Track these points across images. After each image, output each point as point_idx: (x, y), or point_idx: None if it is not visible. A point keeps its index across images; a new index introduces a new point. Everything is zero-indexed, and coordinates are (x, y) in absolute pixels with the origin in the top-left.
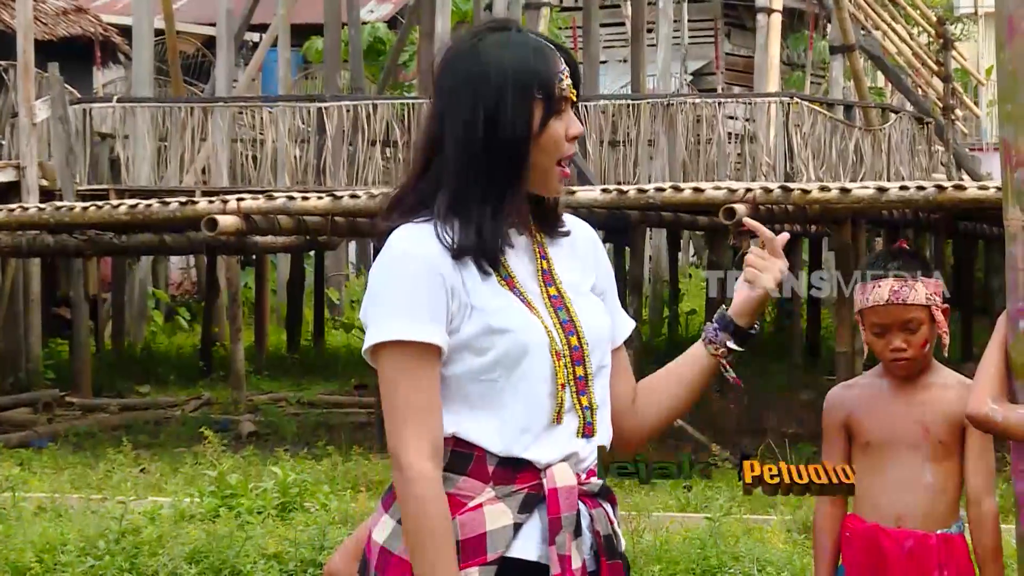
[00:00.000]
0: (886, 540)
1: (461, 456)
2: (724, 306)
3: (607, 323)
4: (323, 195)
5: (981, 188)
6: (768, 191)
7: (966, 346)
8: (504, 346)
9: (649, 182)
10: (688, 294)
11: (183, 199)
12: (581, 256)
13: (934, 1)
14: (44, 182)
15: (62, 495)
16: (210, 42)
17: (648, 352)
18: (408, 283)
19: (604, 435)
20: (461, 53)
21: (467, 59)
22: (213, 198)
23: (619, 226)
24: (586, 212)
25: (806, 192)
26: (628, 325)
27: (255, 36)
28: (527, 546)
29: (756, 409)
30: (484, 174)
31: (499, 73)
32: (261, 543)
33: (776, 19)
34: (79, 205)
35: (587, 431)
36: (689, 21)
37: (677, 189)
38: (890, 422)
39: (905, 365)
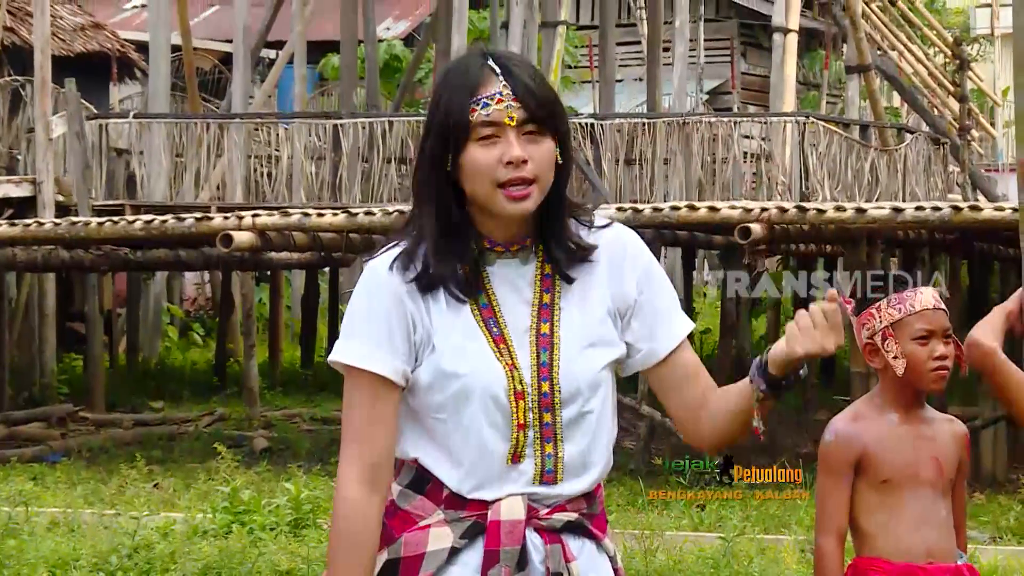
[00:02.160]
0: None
1: (421, 477)
2: (769, 346)
3: (596, 368)
4: (338, 212)
5: (997, 209)
6: (783, 211)
7: None
8: (452, 389)
9: (664, 200)
10: (703, 313)
11: (198, 215)
12: (602, 278)
13: (950, 21)
14: (60, 197)
15: (75, 510)
16: (227, 58)
17: None
18: (370, 310)
19: (578, 482)
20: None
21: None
22: (228, 214)
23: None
24: None
25: (821, 212)
26: (676, 334)
27: (271, 53)
28: (462, 572)
29: (770, 428)
30: (428, 200)
31: (433, 103)
32: (273, 560)
33: (792, 39)
34: (95, 220)
35: (546, 479)
36: (705, 40)
37: (692, 208)
38: (909, 459)
39: (945, 376)
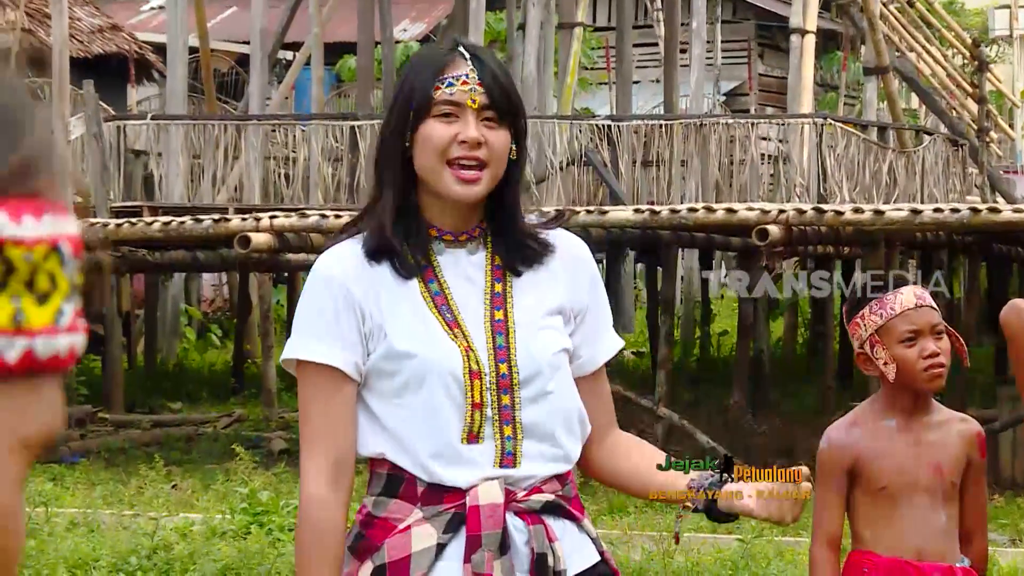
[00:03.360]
0: (913, 571)
1: (393, 479)
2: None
3: (554, 350)
4: (355, 213)
5: (1016, 211)
6: (801, 212)
7: (1000, 368)
8: (409, 371)
9: (682, 202)
10: (720, 315)
11: (216, 216)
12: (558, 275)
13: (969, 23)
14: (78, 199)
15: (94, 511)
16: (244, 60)
17: (680, 372)
18: (318, 304)
19: (544, 466)
20: None
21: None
22: (246, 215)
23: (651, 246)
24: (618, 232)
25: (839, 214)
26: (608, 349)
27: (288, 54)
28: (449, 566)
29: (787, 431)
30: (386, 182)
31: (400, 82)
32: (292, 561)
33: (810, 40)
34: (112, 222)
35: (506, 461)
36: (723, 42)
37: (710, 210)
38: (906, 466)
39: (941, 374)
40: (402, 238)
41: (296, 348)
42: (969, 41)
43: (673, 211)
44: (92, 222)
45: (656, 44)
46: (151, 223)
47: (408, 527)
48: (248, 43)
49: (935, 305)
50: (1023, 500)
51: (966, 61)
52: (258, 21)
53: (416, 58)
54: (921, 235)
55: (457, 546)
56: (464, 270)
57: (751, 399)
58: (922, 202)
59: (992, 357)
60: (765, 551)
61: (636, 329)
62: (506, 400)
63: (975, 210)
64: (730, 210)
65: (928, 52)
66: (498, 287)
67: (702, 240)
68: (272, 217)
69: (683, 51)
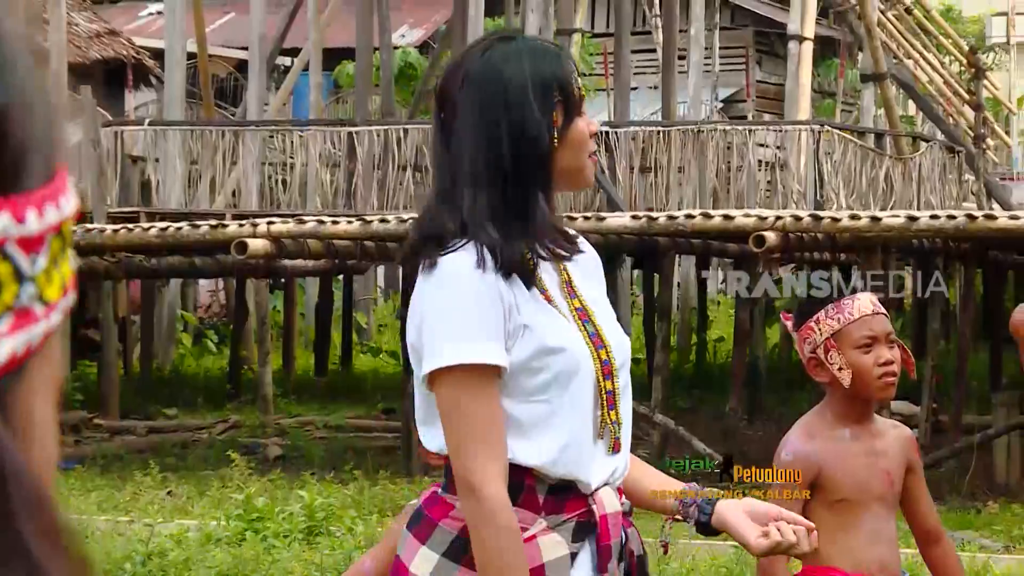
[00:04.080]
0: None
1: (513, 487)
2: (718, 499)
3: (628, 340)
4: (353, 219)
5: (1012, 218)
6: (798, 219)
7: (995, 376)
8: (559, 365)
9: (679, 208)
10: (716, 321)
11: (213, 222)
12: (590, 270)
13: (966, 30)
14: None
15: (89, 517)
16: (242, 65)
17: (676, 379)
18: (470, 305)
19: (625, 452)
20: (474, 66)
21: (482, 71)
22: (243, 221)
23: (648, 252)
24: (615, 238)
25: (836, 220)
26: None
27: (287, 60)
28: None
29: (781, 436)
30: (516, 185)
31: (519, 82)
32: (287, 567)
33: (808, 47)
34: (110, 227)
35: (615, 446)
36: (720, 48)
37: (707, 216)
38: (861, 476)
39: (893, 383)
40: (538, 249)
41: (458, 353)
42: (966, 48)
43: (670, 217)
44: (90, 227)
45: (654, 50)
46: (148, 229)
47: (533, 536)
48: (246, 49)
49: (887, 314)
50: (1017, 507)
51: (963, 68)
52: (256, 27)
53: (534, 57)
54: (917, 242)
55: (585, 556)
56: (545, 264)
57: (747, 405)
58: (919, 209)
59: (987, 364)
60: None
61: (632, 335)
62: (609, 386)
63: (971, 217)
64: (727, 216)
65: (925, 59)
66: (566, 275)
67: (699, 246)
68: (269, 223)
69: (681, 57)
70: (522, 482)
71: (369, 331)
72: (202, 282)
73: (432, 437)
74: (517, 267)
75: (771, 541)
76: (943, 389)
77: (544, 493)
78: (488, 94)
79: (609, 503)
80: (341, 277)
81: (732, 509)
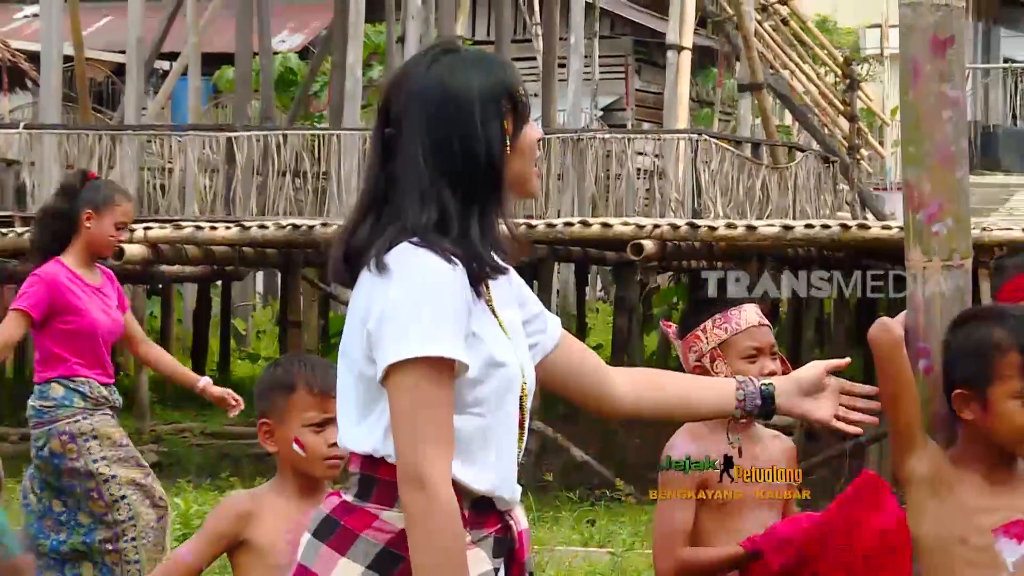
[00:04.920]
0: None
1: None
2: (772, 384)
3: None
4: (231, 225)
5: (884, 227)
6: (675, 227)
7: (868, 383)
8: (498, 380)
9: (558, 216)
10: (595, 329)
11: None
12: (510, 287)
13: (841, 41)
14: None
15: None
16: (120, 69)
17: None
18: (438, 298)
19: None
20: (420, 78)
21: (429, 84)
22: None
23: (527, 260)
24: None
25: (713, 229)
26: (553, 315)
27: (165, 64)
28: None
29: (661, 442)
30: (468, 192)
31: (468, 92)
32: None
33: (686, 57)
34: None
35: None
36: (600, 57)
37: (586, 224)
38: (742, 480)
39: None
40: (490, 257)
41: (428, 345)
42: (841, 59)
43: (549, 225)
44: None
45: (534, 58)
46: (22, 233)
47: None
48: (124, 52)
49: (771, 325)
50: None
51: (838, 79)
52: (135, 30)
53: (482, 67)
54: (792, 251)
55: (503, 572)
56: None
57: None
58: (794, 218)
59: (861, 371)
60: (636, 564)
61: None
62: (524, 409)
63: (845, 226)
64: (606, 224)
65: (801, 70)
66: (488, 296)
67: (578, 254)
68: (147, 228)
69: (561, 65)
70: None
71: (247, 337)
72: None
73: (363, 438)
74: (472, 275)
75: (844, 425)
76: None
77: (468, 508)
78: (438, 106)
79: (522, 520)
80: (219, 283)
81: (793, 394)
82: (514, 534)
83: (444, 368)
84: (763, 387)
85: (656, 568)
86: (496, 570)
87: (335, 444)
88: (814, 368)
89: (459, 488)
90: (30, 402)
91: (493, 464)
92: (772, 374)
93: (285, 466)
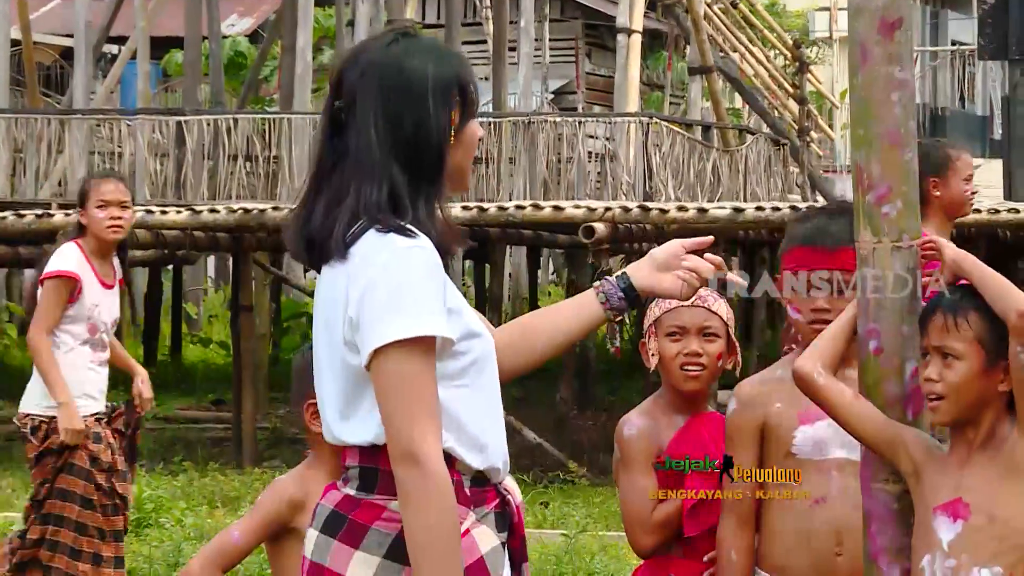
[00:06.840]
0: None
1: None
2: (625, 273)
3: None
4: (182, 209)
5: None
6: (627, 210)
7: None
8: (478, 350)
9: (510, 200)
10: None
11: (39, 212)
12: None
13: (790, 24)
14: None
15: None
16: (68, 53)
17: None
18: (420, 278)
19: None
20: (376, 56)
21: (386, 62)
22: (70, 211)
23: (479, 243)
24: None
25: (664, 212)
26: None
27: (114, 48)
28: (506, 565)
29: (613, 425)
30: (415, 173)
31: (422, 76)
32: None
33: (636, 40)
34: None
35: None
36: (550, 40)
37: (537, 207)
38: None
39: (696, 375)
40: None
41: (413, 325)
42: (790, 42)
43: (501, 208)
44: None
45: (485, 41)
46: None
47: (467, 530)
48: (72, 36)
49: (716, 309)
50: None
51: (787, 62)
52: (82, 14)
53: (438, 57)
54: (743, 233)
55: (505, 547)
56: None
57: (577, 395)
58: (745, 200)
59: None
60: (589, 545)
61: None
62: None
63: (795, 209)
64: (557, 208)
65: (751, 53)
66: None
67: (530, 237)
68: None
69: (512, 49)
70: (452, 472)
71: (199, 322)
72: (28, 272)
73: (358, 429)
74: (443, 252)
75: (690, 288)
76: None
77: (468, 485)
78: (394, 82)
79: (517, 492)
80: (171, 267)
81: (645, 273)
82: (512, 508)
83: (427, 346)
84: (619, 280)
85: (634, 543)
86: (503, 543)
87: None
88: (670, 244)
89: (458, 465)
90: None
91: (487, 431)
92: (695, 354)
93: (324, 449)
